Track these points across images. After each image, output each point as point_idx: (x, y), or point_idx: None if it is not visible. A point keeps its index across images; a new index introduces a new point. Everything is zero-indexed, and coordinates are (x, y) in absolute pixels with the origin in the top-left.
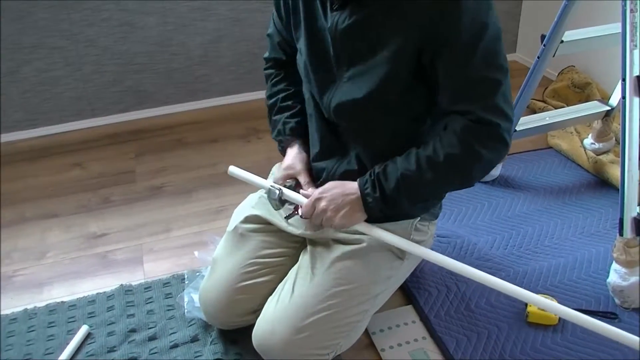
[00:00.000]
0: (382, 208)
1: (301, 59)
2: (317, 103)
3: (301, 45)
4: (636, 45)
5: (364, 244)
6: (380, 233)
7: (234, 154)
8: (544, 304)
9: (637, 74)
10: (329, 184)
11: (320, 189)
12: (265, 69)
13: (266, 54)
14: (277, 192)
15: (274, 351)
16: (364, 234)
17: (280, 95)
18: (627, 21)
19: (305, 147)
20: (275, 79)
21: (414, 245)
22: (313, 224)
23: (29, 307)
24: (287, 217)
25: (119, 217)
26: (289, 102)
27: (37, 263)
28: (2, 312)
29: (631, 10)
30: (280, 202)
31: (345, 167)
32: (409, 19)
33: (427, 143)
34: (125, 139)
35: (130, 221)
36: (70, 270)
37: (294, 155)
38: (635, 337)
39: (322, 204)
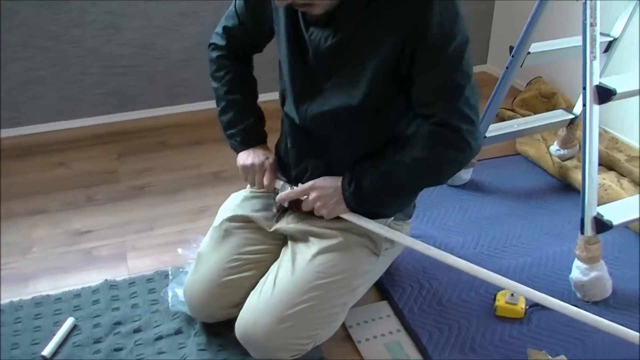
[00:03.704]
0: (358, 203)
1: (284, 65)
2: (292, 109)
3: (282, 51)
4: (595, 57)
5: (341, 239)
6: (366, 223)
7: (216, 157)
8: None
9: (597, 83)
10: (321, 178)
11: (313, 181)
12: (221, 57)
13: (223, 42)
14: (289, 187)
15: (256, 341)
16: (337, 228)
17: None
18: (587, 34)
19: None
20: (234, 74)
21: (396, 232)
22: (303, 210)
23: (14, 299)
24: (277, 218)
25: (103, 215)
26: (255, 102)
27: (22, 257)
28: None
29: (591, 24)
30: None
31: (324, 168)
32: (386, 34)
33: (401, 145)
34: (109, 140)
35: (114, 219)
36: (55, 265)
37: (264, 153)
38: (636, 333)
39: (314, 194)
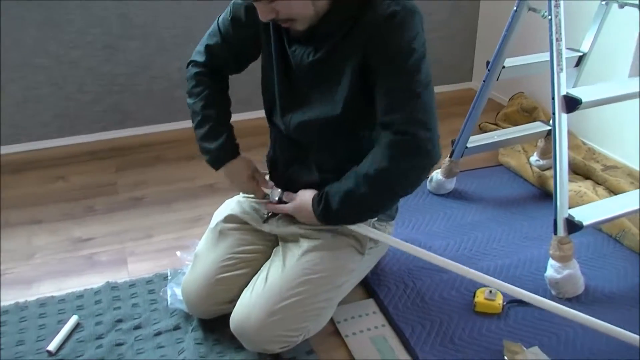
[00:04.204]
0: (328, 221)
1: (269, 79)
2: (278, 119)
3: (268, 66)
4: (562, 69)
5: (328, 239)
6: (357, 228)
7: (210, 170)
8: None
9: (564, 93)
10: (298, 199)
11: (293, 204)
12: (200, 74)
13: (203, 59)
14: (278, 193)
15: (249, 333)
16: (325, 229)
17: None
18: (554, 48)
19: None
20: (211, 90)
21: (383, 234)
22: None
23: (20, 300)
24: (266, 220)
25: (102, 224)
26: (229, 118)
27: (25, 263)
28: None
29: (557, 39)
30: (278, 202)
31: (307, 177)
32: (355, 51)
33: (365, 160)
34: (106, 155)
35: (113, 228)
36: (57, 270)
37: (246, 165)
38: (635, 335)
39: (297, 215)
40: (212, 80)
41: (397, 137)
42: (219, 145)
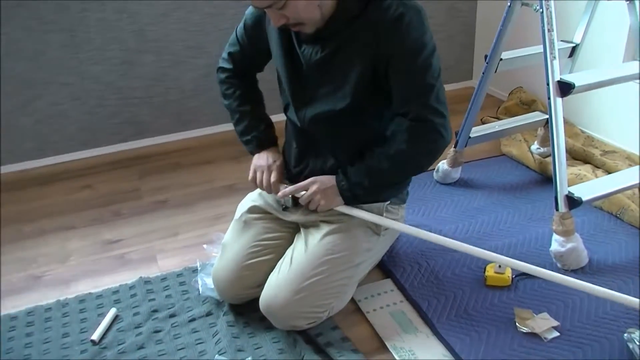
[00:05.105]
0: (352, 193)
1: (282, 78)
2: (293, 115)
3: (280, 66)
4: (555, 57)
5: (345, 222)
6: (358, 212)
7: (228, 172)
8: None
9: (558, 79)
10: (320, 177)
11: (313, 177)
12: (228, 77)
13: (230, 66)
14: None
15: (277, 311)
16: (345, 215)
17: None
18: (547, 39)
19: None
20: (243, 89)
21: (384, 219)
22: (305, 206)
23: (60, 298)
24: (285, 209)
25: (130, 227)
26: (263, 111)
27: (61, 265)
28: (37, 304)
29: (548, 30)
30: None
31: (322, 164)
32: (365, 48)
33: (386, 141)
34: (128, 165)
35: (140, 229)
36: (92, 269)
37: (273, 156)
38: (635, 299)
39: (314, 187)
40: (241, 80)
41: (415, 123)
42: (259, 133)
